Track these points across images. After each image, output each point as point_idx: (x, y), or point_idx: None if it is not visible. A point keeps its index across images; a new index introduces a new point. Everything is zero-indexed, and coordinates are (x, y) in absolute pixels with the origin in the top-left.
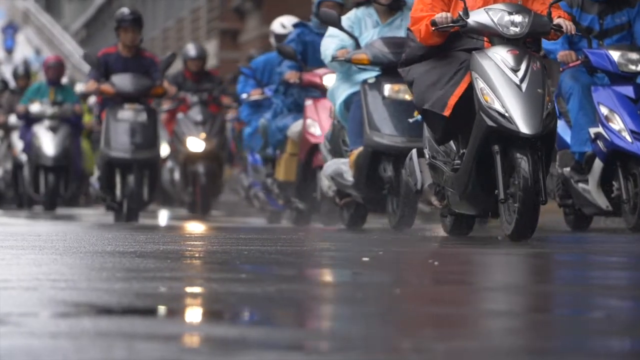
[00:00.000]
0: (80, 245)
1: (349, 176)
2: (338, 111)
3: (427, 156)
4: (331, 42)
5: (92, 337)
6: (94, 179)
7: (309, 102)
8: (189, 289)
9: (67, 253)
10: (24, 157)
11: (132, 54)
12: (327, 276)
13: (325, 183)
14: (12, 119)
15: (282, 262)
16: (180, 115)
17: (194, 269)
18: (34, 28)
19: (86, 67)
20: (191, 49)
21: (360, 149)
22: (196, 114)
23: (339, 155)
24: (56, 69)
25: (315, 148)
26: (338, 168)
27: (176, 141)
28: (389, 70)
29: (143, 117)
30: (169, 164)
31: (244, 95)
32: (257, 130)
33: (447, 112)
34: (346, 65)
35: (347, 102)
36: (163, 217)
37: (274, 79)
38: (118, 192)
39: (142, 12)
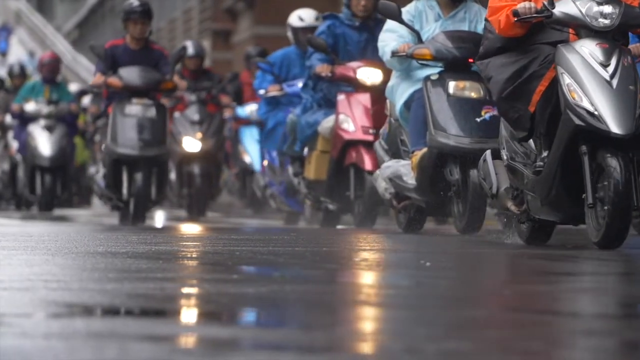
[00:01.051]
0: (72, 246)
1: (410, 179)
2: (399, 111)
3: (504, 158)
4: (390, 37)
5: (84, 337)
6: (99, 177)
7: (341, 97)
8: (180, 290)
9: (59, 254)
10: (19, 158)
11: (140, 46)
12: (319, 277)
13: (382, 185)
14: (8, 118)
15: (274, 262)
16: (177, 114)
17: (186, 269)
18: (26, 28)
19: (79, 68)
20: (189, 47)
21: (424, 150)
22: (193, 113)
23: (397, 156)
24: (51, 66)
25: (348, 145)
26: (397, 170)
27: (172, 141)
28: (452, 66)
29: (152, 112)
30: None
31: (262, 91)
32: (274, 128)
33: (531, 108)
34: (406, 62)
35: (408, 101)
36: (159, 218)
37: (292, 74)
38: (125, 190)
39: None
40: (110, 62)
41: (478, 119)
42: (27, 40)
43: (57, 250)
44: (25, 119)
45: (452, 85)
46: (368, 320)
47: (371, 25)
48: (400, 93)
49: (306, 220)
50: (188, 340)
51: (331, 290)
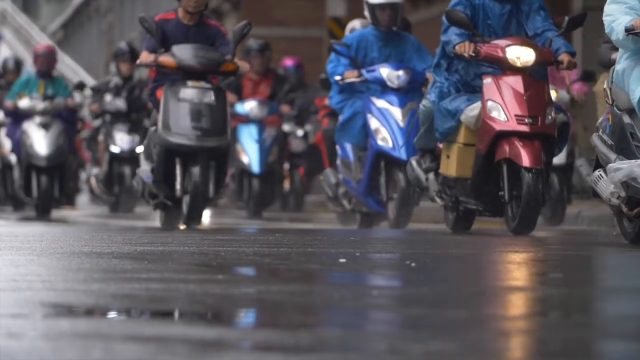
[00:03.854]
0: (58, 246)
1: None
2: (637, 100)
3: None
4: (619, 10)
5: (70, 338)
6: (143, 171)
7: (487, 80)
8: (166, 290)
9: (44, 254)
10: (13, 157)
11: (194, 21)
12: (305, 277)
13: (608, 189)
14: (0, 115)
15: (260, 263)
16: None
17: (171, 270)
18: (11, 29)
19: (64, 68)
20: None
21: None
22: None
23: (631, 154)
24: (46, 58)
25: (499, 137)
26: (632, 171)
27: None
28: None
29: (210, 97)
30: None
31: (337, 77)
32: (351, 119)
33: None
34: None
35: None
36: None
37: (369, 58)
38: (178, 186)
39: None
40: (160, 38)
41: None
42: (16, 44)
43: (42, 250)
44: (19, 116)
45: None
46: (355, 320)
47: None
48: (638, 78)
49: (390, 223)
50: (174, 341)
51: (317, 291)
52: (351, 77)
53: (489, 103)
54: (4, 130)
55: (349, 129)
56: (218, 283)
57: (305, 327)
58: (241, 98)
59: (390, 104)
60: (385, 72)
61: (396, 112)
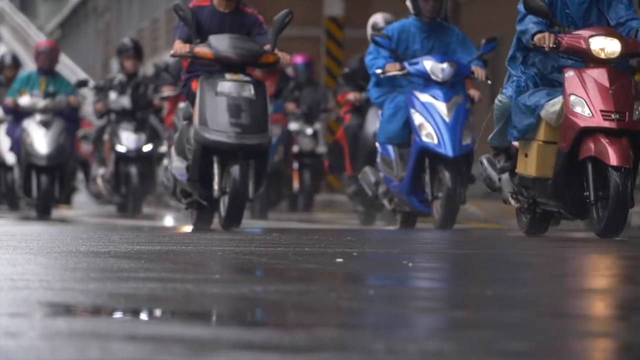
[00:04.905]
0: (55, 245)
1: None
2: None
3: None
4: None
5: (67, 337)
6: (175, 169)
7: (570, 74)
8: (163, 290)
9: (41, 253)
10: (11, 157)
11: (231, 9)
12: (302, 277)
13: None
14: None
15: (257, 263)
16: (182, 104)
17: (168, 269)
18: (8, 28)
19: (61, 67)
20: None
21: None
22: None
23: None
24: (48, 55)
25: (583, 133)
26: None
27: (174, 135)
28: None
29: (250, 91)
30: (166, 161)
31: (378, 70)
32: (392, 115)
33: None
34: None
35: None
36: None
37: (411, 51)
38: (216, 186)
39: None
40: (195, 27)
41: None
42: (10, 39)
43: (40, 249)
44: (19, 114)
45: None
46: (352, 320)
47: None
48: None
49: (434, 223)
50: (170, 340)
51: (314, 291)
52: (393, 70)
53: (572, 98)
54: (3, 128)
55: (391, 125)
56: (215, 282)
57: (302, 326)
58: None
59: (435, 98)
60: (429, 64)
61: (441, 107)
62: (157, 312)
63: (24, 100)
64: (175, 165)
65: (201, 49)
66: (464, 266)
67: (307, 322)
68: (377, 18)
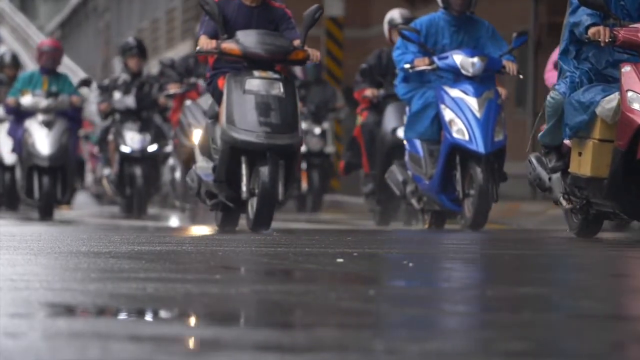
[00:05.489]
0: (55, 246)
1: None
2: None
3: None
4: None
5: (67, 337)
6: (200, 168)
7: (626, 69)
8: (163, 290)
9: (42, 253)
10: (9, 157)
11: (258, 2)
12: (302, 277)
13: None
14: (1, 111)
15: (257, 263)
16: (188, 102)
17: (168, 269)
18: (8, 28)
19: (61, 67)
20: None
21: None
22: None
23: None
24: (51, 54)
25: None
26: None
27: (180, 133)
28: None
29: (279, 89)
30: (171, 161)
31: (406, 65)
32: (421, 111)
33: None
34: None
35: None
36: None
37: (440, 45)
38: (244, 187)
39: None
40: (221, 21)
41: None
42: (10, 39)
43: (40, 250)
44: (21, 114)
45: None
46: (351, 320)
47: None
48: None
49: (466, 222)
50: (171, 340)
51: (314, 291)
52: (422, 65)
53: (630, 94)
54: (5, 127)
55: (419, 123)
56: (215, 283)
57: (302, 326)
58: None
59: (465, 93)
60: (459, 59)
61: (472, 102)
62: (158, 313)
63: (26, 100)
64: (200, 166)
65: (228, 45)
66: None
67: (307, 322)
68: (394, 14)
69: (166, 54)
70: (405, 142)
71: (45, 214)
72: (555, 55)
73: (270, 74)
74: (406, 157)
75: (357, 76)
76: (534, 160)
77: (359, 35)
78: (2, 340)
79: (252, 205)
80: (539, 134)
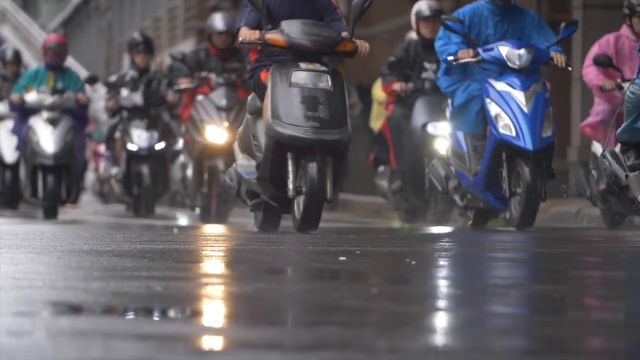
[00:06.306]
0: (58, 244)
1: None
2: None
3: None
4: None
5: (69, 336)
6: (241, 166)
7: None
8: (165, 288)
9: (44, 252)
10: (10, 155)
11: None
12: (304, 276)
13: None
14: (3, 108)
15: (259, 261)
16: (200, 97)
17: (171, 268)
18: (10, 27)
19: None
20: (218, 21)
21: None
22: (220, 98)
23: None
24: (57, 50)
25: None
26: None
27: (192, 129)
28: None
29: (327, 82)
30: (182, 158)
31: (450, 57)
32: (465, 105)
33: None
34: None
35: None
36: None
37: (484, 36)
38: (290, 185)
39: (119, 12)
40: (265, 11)
41: None
42: (12, 38)
43: (43, 248)
44: (26, 111)
45: None
46: (354, 318)
47: None
48: None
49: (512, 221)
50: (173, 339)
51: (317, 289)
52: (466, 57)
53: None
54: (6, 124)
55: (463, 117)
56: (217, 281)
57: (304, 325)
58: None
59: (512, 86)
60: (504, 50)
61: (519, 96)
62: (161, 311)
63: (31, 96)
64: (241, 163)
65: (273, 36)
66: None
67: (310, 320)
68: (422, 5)
69: (167, 53)
70: (447, 136)
71: (50, 214)
72: (594, 50)
73: (317, 66)
74: (449, 152)
75: (384, 69)
76: (608, 156)
77: (361, 34)
78: (5, 339)
79: (299, 204)
80: (617, 130)
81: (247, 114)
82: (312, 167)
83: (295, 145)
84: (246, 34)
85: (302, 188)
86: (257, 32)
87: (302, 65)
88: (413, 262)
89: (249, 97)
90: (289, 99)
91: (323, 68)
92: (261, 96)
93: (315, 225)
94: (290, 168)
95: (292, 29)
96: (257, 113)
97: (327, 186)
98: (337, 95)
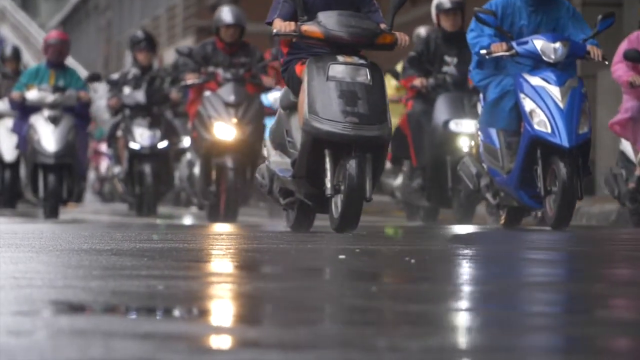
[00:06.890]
0: (57, 243)
1: None
2: None
3: None
4: None
5: (69, 335)
6: (275, 163)
7: None
8: (165, 287)
9: (44, 251)
10: (9, 154)
11: None
12: (304, 274)
13: None
14: (2, 105)
15: (260, 260)
16: (207, 93)
17: (171, 267)
18: (10, 26)
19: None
20: (226, 14)
21: None
22: (228, 93)
23: None
24: (58, 47)
25: None
26: None
27: (199, 126)
28: None
29: (366, 76)
30: (189, 156)
31: (482, 51)
32: (498, 100)
33: None
34: None
35: None
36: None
37: (517, 27)
38: (328, 183)
39: (118, 10)
40: (301, 2)
41: None
42: (11, 37)
43: (42, 247)
44: (27, 109)
45: None
46: (354, 317)
47: None
48: None
49: (547, 220)
50: (173, 338)
51: (317, 287)
52: (499, 50)
53: None
54: (6, 122)
55: (496, 112)
56: (217, 280)
57: (304, 324)
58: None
59: (547, 81)
60: (539, 44)
61: (554, 91)
62: (160, 310)
63: (32, 94)
64: (275, 160)
65: (309, 27)
66: None
67: (309, 319)
68: None
69: (167, 52)
70: (477, 132)
71: (51, 214)
72: (624, 45)
73: (355, 60)
74: (481, 149)
75: (404, 63)
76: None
77: None
78: (5, 338)
79: (337, 203)
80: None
81: (280, 109)
82: (351, 164)
83: (333, 141)
84: (281, 25)
85: (341, 186)
86: (293, 23)
87: (340, 58)
88: (412, 260)
89: (282, 91)
90: (327, 94)
91: (361, 61)
92: (296, 90)
93: (355, 225)
94: (328, 165)
95: (329, 21)
96: (291, 108)
97: (367, 184)
98: (377, 89)
